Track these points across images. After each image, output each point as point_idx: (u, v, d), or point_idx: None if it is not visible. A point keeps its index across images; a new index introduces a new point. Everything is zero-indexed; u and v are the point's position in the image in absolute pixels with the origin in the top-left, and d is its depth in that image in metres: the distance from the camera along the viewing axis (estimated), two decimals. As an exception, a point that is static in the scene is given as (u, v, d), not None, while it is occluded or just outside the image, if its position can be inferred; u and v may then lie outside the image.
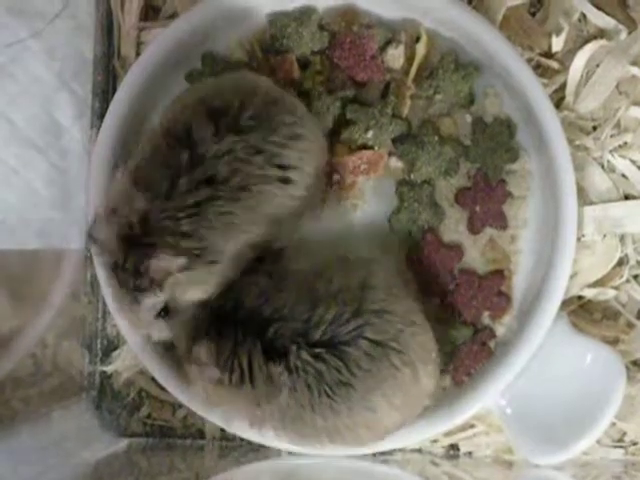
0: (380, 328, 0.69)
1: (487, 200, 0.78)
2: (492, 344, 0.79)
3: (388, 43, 0.78)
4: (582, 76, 0.81)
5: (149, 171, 0.68)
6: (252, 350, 0.67)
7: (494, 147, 0.78)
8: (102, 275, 0.76)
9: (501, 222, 0.79)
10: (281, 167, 0.69)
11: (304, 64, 0.78)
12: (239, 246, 0.70)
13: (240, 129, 0.68)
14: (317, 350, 0.67)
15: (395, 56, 0.78)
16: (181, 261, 0.67)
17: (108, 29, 0.83)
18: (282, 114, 0.70)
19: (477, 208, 0.78)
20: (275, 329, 0.68)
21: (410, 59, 0.78)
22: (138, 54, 0.82)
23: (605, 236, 0.81)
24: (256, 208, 0.69)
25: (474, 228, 0.79)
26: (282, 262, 0.72)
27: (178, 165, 0.67)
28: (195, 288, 0.70)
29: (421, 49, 0.78)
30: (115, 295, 0.70)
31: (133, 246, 0.67)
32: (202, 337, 0.69)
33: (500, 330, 0.79)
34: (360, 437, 0.71)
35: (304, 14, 0.78)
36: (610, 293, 0.81)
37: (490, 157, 0.78)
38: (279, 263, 0.72)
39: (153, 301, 0.69)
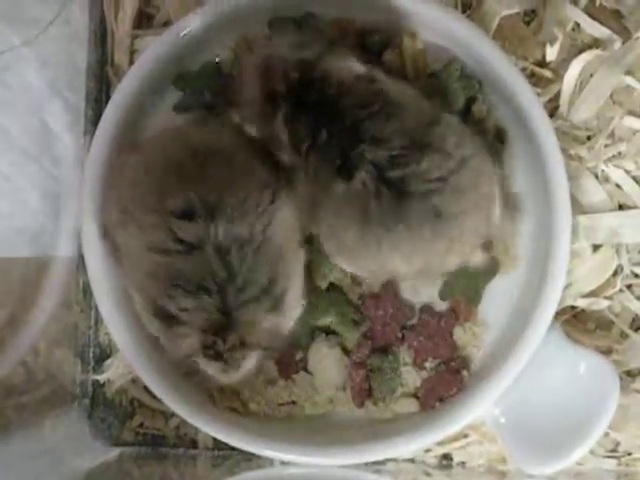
0: (448, 201, 0.68)
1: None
2: (465, 374, 0.80)
3: (385, 47, 0.78)
4: (576, 85, 0.81)
5: None
6: (331, 155, 0.68)
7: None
8: (96, 285, 0.77)
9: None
10: None
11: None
12: None
13: None
14: (382, 187, 0.68)
15: (391, 60, 0.78)
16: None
17: (101, 37, 0.83)
18: None
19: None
20: (363, 149, 0.67)
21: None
22: (131, 62, 0.82)
23: (600, 246, 0.81)
24: None
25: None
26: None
27: None
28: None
29: (408, 49, 0.78)
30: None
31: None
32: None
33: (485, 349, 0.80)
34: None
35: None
36: (604, 303, 0.81)
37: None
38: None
39: (253, 362, 0.70)
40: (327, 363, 0.80)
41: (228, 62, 0.80)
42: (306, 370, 0.81)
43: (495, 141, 0.79)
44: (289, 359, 0.80)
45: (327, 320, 0.79)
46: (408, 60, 0.78)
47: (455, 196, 0.69)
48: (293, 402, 0.81)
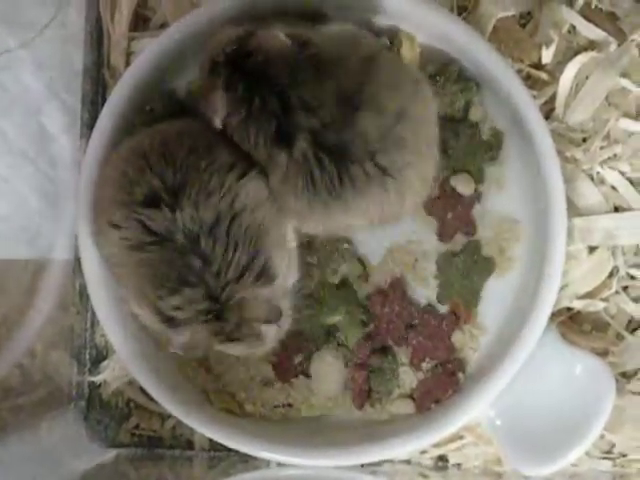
0: (391, 157, 0.69)
1: (458, 207, 0.79)
2: (460, 376, 0.80)
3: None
4: (572, 88, 0.81)
5: None
6: (263, 125, 0.68)
7: (473, 150, 0.78)
8: (92, 287, 0.77)
9: (471, 229, 0.79)
10: None
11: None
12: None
13: None
14: (321, 154, 0.68)
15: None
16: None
17: (98, 39, 0.83)
18: None
19: (448, 216, 0.79)
20: (296, 117, 0.68)
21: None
22: (128, 64, 0.82)
23: (596, 248, 0.81)
24: None
25: (445, 235, 0.79)
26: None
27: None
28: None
29: (406, 53, 0.78)
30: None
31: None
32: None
33: (481, 350, 0.80)
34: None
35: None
36: (599, 305, 0.81)
37: (471, 160, 0.78)
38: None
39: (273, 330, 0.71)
40: (328, 373, 0.80)
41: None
42: (304, 374, 0.81)
43: (491, 143, 0.79)
44: (288, 363, 0.80)
45: (335, 318, 0.79)
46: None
47: (398, 150, 0.69)
48: (289, 405, 0.81)
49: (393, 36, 0.78)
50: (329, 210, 0.70)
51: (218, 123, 0.70)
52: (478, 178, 0.79)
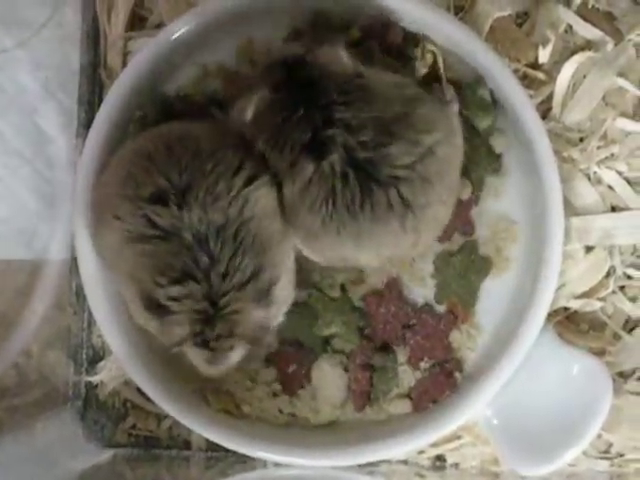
0: (415, 191, 0.68)
1: (456, 207, 0.77)
2: (458, 376, 0.80)
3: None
4: (569, 87, 0.81)
5: None
6: (299, 132, 0.68)
7: (477, 159, 0.78)
8: (89, 287, 0.77)
9: (468, 228, 0.79)
10: None
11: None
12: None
13: None
14: (348, 169, 0.67)
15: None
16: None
17: (94, 39, 0.83)
18: None
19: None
20: (335, 131, 0.67)
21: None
22: (124, 64, 0.82)
23: (593, 248, 0.81)
24: None
25: (443, 235, 0.78)
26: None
27: None
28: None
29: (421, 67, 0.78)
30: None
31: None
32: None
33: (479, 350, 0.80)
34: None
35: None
36: (596, 304, 0.81)
37: (474, 168, 0.78)
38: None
39: (241, 354, 0.70)
40: (331, 380, 0.80)
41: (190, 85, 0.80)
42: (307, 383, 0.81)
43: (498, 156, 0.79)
44: (293, 376, 0.80)
45: (331, 330, 0.79)
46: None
47: (423, 186, 0.69)
48: (293, 415, 0.81)
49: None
50: (341, 235, 0.69)
51: (249, 115, 0.70)
52: (478, 185, 0.79)
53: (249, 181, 0.69)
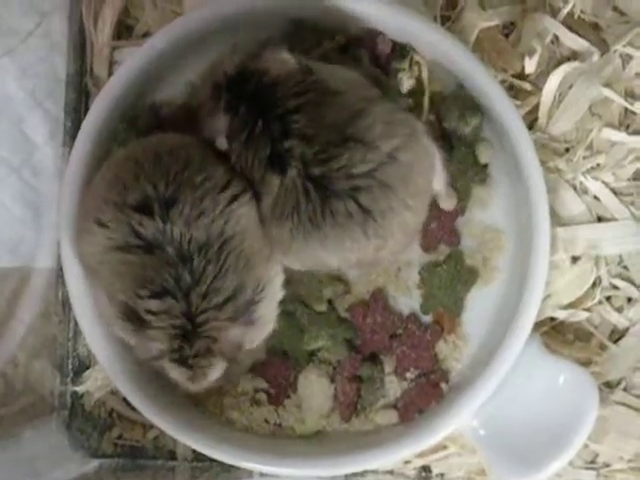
0: (375, 198, 0.68)
1: (441, 217, 0.79)
2: (444, 386, 0.80)
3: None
4: (555, 98, 0.81)
5: None
6: (261, 147, 0.68)
7: (463, 169, 0.78)
8: (75, 296, 0.77)
9: (454, 238, 0.79)
10: None
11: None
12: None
13: None
14: (308, 184, 0.67)
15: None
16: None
17: (81, 48, 0.83)
18: None
19: (432, 225, 0.78)
20: (291, 143, 0.67)
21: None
22: (111, 73, 0.82)
23: (579, 258, 0.81)
24: None
25: (429, 245, 0.79)
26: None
27: None
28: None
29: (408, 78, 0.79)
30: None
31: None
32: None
33: (465, 360, 0.80)
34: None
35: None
36: (583, 315, 0.81)
37: (460, 179, 0.78)
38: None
39: (220, 371, 0.70)
40: (317, 391, 0.80)
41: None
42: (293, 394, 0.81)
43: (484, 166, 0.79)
44: (279, 387, 0.80)
45: (318, 344, 0.79)
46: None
47: (383, 193, 0.68)
48: (279, 425, 0.81)
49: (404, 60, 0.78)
50: (308, 241, 0.69)
51: (223, 144, 0.70)
52: (464, 196, 0.79)
53: (234, 199, 0.69)
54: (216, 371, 0.69)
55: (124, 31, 0.84)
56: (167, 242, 0.67)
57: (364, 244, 0.69)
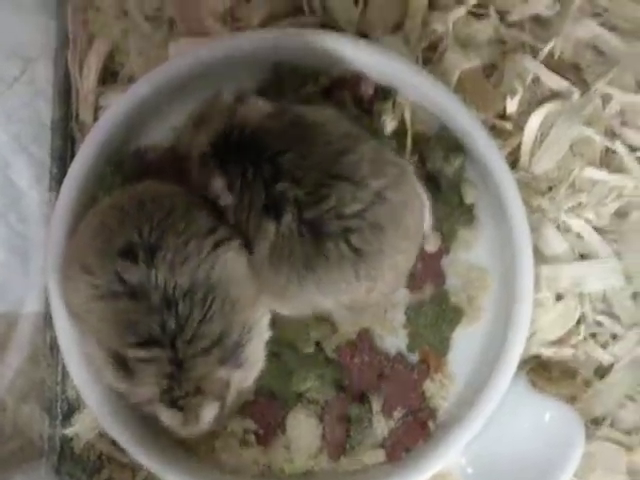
0: (366, 239, 0.68)
1: (426, 257, 0.79)
2: (431, 425, 0.80)
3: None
4: (536, 137, 0.82)
5: None
6: (256, 194, 0.69)
7: (449, 211, 0.79)
8: (63, 340, 0.77)
9: (439, 278, 0.80)
10: None
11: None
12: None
13: None
14: (302, 228, 0.68)
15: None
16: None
17: (66, 93, 0.83)
18: None
19: (417, 265, 0.78)
20: (283, 187, 0.68)
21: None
22: (96, 118, 0.82)
23: (563, 296, 0.82)
24: None
25: (414, 285, 0.79)
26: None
27: None
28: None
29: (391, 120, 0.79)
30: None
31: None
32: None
33: (451, 399, 0.80)
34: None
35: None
36: (568, 351, 0.82)
37: (445, 221, 0.79)
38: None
39: (212, 412, 0.70)
40: (305, 431, 0.80)
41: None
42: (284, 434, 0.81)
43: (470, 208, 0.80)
44: (267, 426, 0.80)
45: (307, 385, 0.79)
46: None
47: (374, 234, 0.69)
48: (268, 466, 0.81)
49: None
50: (303, 286, 0.70)
51: (226, 199, 0.71)
52: (449, 237, 0.79)
53: (219, 243, 0.69)
54: (208, 412, 0.70)
55: (109, 77, 0.84)
56: (152, 288, 0.67)
57: (356, 286, 0.70)
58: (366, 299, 0.72)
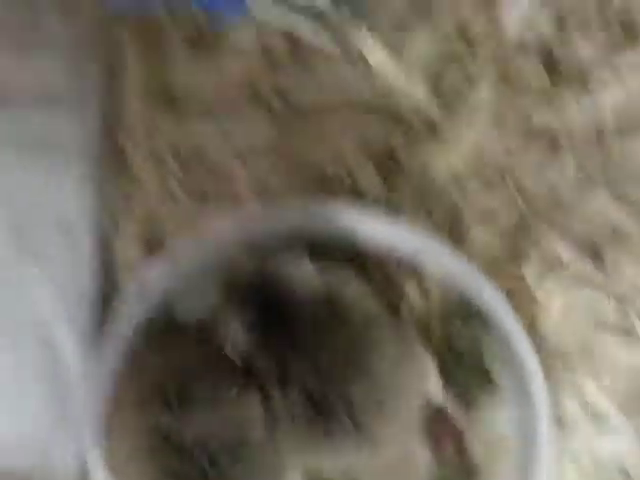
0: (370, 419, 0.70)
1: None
2: None
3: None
4: (554, 306, 0.84)
5: None
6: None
7: (471, 382, 0.81)
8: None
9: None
10: None
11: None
12: None
13: None
14: (306, 404, 0.69)
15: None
16: None
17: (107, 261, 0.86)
18: None
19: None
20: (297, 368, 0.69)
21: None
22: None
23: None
24: None
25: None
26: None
27: None
28: None
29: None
30: None
31: None
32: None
33: None
34: None
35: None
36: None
37: (466, 391, 0.81)
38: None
39: None
40: None
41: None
42: None
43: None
44: None
45: None
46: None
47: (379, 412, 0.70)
48: None
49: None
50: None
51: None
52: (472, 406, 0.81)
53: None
54: None
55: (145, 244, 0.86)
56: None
57: (358, 456, 0.71)
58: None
